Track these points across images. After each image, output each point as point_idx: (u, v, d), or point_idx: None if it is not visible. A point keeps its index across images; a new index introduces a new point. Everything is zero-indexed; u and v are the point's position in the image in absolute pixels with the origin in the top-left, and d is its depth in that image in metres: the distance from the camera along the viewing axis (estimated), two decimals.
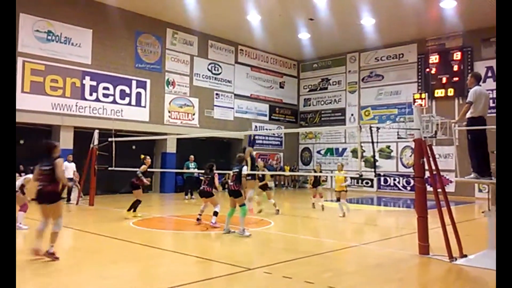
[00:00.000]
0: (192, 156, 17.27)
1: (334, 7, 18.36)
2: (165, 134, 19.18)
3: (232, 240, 8.52)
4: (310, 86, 27.54)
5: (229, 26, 21.42)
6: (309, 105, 27.48)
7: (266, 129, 25.46)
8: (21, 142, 16.91)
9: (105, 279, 5.58)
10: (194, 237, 9.19)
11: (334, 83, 26.31)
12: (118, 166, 14.65)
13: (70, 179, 14.84)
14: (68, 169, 14.84)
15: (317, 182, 14.45)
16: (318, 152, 26.45)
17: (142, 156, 12.12)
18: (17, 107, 15.71)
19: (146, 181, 11.69)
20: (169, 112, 20.79)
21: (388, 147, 23.04)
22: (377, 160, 22.09)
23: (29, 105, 16.13)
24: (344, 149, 25.14)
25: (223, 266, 6.23)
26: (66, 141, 16.97)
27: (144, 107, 19.82)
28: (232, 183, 8.91)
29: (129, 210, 11.39)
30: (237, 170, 8.92)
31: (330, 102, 26.40)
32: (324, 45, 24.21)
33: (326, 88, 26.68)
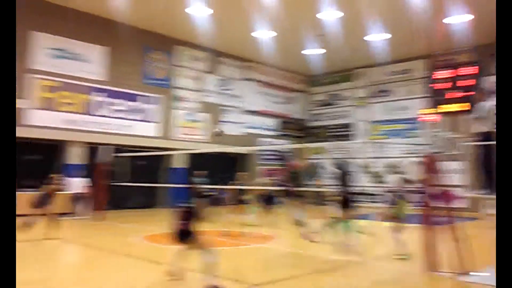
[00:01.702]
0: (199, 172, 17.25)
1: (342, 23, 18.47)
2: (175, 149, 19.29)
3: (236, 255, 8.49)
4: (318, 102, 27.59)
5: (239, 42, 21.62)
6: (317, 120, 27.48)
7: (274, 144, 25.47)
8: (31, 157, 17.13)
9: None
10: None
11: (343, 98, 26.33)
12: (127, 181, 14.81)
13: (81, 194, 15.05)
14: (76, 183, 15.06)
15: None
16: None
17: None
18: (28, 123, 16.05)
19: None
20: (178, 127, 20.94)
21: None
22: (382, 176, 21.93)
23: (40, 121, 16.39)
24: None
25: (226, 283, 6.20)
26: (76, 156, 17.17)
27: (154, 122, 20.00)
28: None
29: None
30: None
31: (338, 117, 26.39)
32: (333, 61, 24.29)
33: (334, 103, 26.70)
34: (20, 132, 15.87)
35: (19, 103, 15.88)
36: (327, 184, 21.71)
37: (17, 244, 9.90)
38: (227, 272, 6.87)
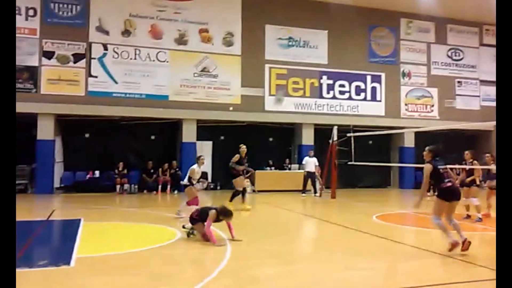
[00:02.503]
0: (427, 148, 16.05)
1: None
2: (402, 128, 18.43)
3: (481, 241, 7.49)
4: None
5: (471, 5, 19.14)
6: None
7: None
8: (270, 139, 18.92)
9: (351, 270, 5.59)
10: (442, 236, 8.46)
11: None
12: (356, 161, 14.86)
13: (312, 173, 15.84)
14: (309, 163, 15.87)
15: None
16: None
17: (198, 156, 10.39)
18: (266, 109, 17.73)
19: (241, 169, 11.40)
20: (405, 104, 19.96)
21: None
22: None
23: (275, 106, 17.90)
24: None
25: (484, 270, 5.49)
26: (307, 138, 18.20)
27: (380, 101, 19.55)
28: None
29: (230, 200, 11.06)
30: None
31: None
32: None
33: None
34: (260, 118, 17.77)
35: (259, 92, 17.71)
36: None
37: (271, 214, 10.84)
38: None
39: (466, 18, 20.76)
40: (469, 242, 6.28)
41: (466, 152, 10.30)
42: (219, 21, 17.42)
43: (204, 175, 17.62)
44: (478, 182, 10.16)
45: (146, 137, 17.53)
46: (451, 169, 10.55)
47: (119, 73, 16.26)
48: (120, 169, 16.14)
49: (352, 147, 15.01)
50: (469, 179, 10.02)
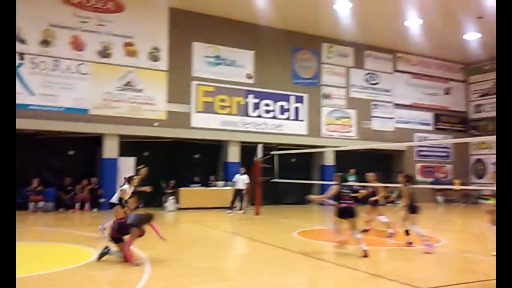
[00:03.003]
0: (352, 170, 16.96)
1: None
2: (323, 146, 19.26)
3: (401, 257, 8.02)
4: (481, 91, 24.82)
5: (386, 34, 20.71)
6: (481, 112, 24.73)
7: (431, 140, 23.66)
8: (196, 156, 18.83)
9: (277, 286, 5.71)
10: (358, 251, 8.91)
11: None
12: (280, 178, 15.25)
13: (241, 191, 15.97)
14: (239, 181, 16.00)
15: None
16: (494, 164, 23.52)
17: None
18: (192, 125, 17.67)
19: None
20: (326, 124, 20.89)
21: None
22: None
23: (202, 123, 17.91)
24: None
25: (394, 285, 5.86)
26: (233, 155, 18.36)
27: (302, 121, 20.29)
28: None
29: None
30: None
31: None
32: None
33: None
34: (186, 134, 17.65)
35: (185, 108, 17.64)
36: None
37: (194, 232, 10.68)
38: (397, 273, 6.52)
39: (382, 46, 22.35)
40: (366, 251, 7.53)
41: (369, 174, 11.01)
42: (145, 35, 17.18)
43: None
44: (382, 201, 10.81)
45: (64, 153, 16.64)
46: (364, 187, 11.32)
47: (36, 85, 15.37)
48: (34, 186, 15.15)
49: (276, 164, 15.39)
50: (373, 198, 10.54)
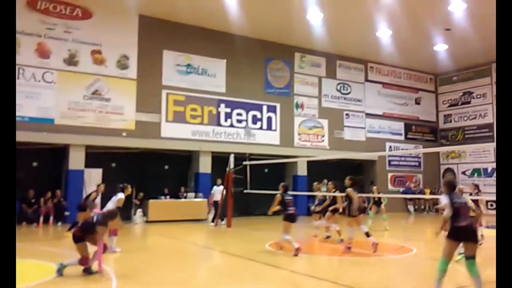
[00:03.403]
0: (325, 180, 16.86)
1: (473, 14, 16.66)
2: (296, 156, 19.14)
3: (370, 265, 7.88)
4: (450, 101, 25.32)
5: (358, 44, 20.89)
6: (450, 122, 25.19)
7: (402, 149, 23.91)
8: (166, 167, 18.41)
9: None
10: (328, 261, 8.75)
11: (479, 96, 23.78)
12: (252, 189, 14.99)
13: (217, 202, 15.65)
14: (217, 192, 15.69)
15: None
16: (463, 173, 23.94)
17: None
18: (162, 135, 17.27)
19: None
20: (298, 134, 20.82)
21: None
22: None
23: (172, 133, 17.52)
24: (494, 169, 22.32)
25: None
26: (204, 165, 18.01)
27: (275, 130, 20.15)
28: None
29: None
30: None
31: (475, 118, 23.87)
32: (464, 56, 22.12)
33: (469, 102, 24.23)
34: (155, 144, 17.23)
35: (155, 118, 17.24)
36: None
37: (163, 246, 10.39)
38: (376, 283, 6.35)
39: (354, 56, 22.54)
40: (298, 249, 8.72)
41: (329, 183, 11.61)
42: (113, 43, 16.75)
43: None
44: (340, 210, 11.12)
45: (27, 164, 15.95)
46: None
47: None
48: None
49: (248, 175, 15.14)
50: (331, 207, 11.16)
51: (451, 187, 5.79)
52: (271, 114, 20.13)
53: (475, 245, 5.47)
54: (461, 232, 5.41)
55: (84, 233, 6.62)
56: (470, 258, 5.39)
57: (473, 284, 5.39)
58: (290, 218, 9.28)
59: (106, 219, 6.89)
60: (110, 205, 9.03)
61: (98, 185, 11.80)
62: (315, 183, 13.73)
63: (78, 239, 6.62)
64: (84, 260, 6.44)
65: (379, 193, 15.16)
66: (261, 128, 19.75)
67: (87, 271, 6.57)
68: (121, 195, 9.14)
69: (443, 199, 5.62)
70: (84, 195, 13.19)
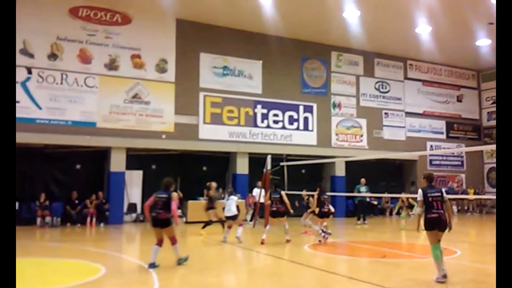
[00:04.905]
0: (363, 179, 16.63)
1: None
2: (333, 157, 18.90)
3: (412, 268, 7.65)
4: (494, 98, 24.34)
5: (396, 42, 20.43)
6: (494, 119, 24.22)
7: (443, 148, 23.19)
8: (204, 169, 18.59)
9: None
10: (369, 263, 8.57)
11: None
12: (289, 190, 14.90)
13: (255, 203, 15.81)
14: (257, 194, 15.77)
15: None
16: None
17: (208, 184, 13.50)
18: (200, 137, 17.47)
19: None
20: (336, 134, 20.56)
21: None
22: None
23: (210, 134, 17.70)
24: None
25: None
26: (242, 166, 18.09)
27: (312, 131, 19.99)
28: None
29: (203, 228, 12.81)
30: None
31: None
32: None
33: None
34: (193, 146, 17.45)
35: (193, 120, 17.47)
36: None
37: (199, 246, 10.52)
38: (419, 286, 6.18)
39: (392, 53, 22.05)
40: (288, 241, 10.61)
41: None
42: (152, 47, 17.10)
43: (132, 206, 16.93)
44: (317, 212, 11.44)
45: (71, 166, 16.53)
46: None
47: (43, 98, 15.33)
48: (41, 200, 15.01)
49: (285, 176, 15.07)
50: (309, 210, 12.73)
51: (430, 181, 6.69)
52: (308, 114, 19.98)
53: (442, 233, 6.43)
54: (434, 222, 6.38)
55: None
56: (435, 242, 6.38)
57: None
58: (272, 214, 11.12)
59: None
60: (234, 209, 11.19)
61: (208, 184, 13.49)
62: None
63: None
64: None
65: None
66: (297, 128, 19.64)
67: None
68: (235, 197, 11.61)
69: (418, 195, 6.53)
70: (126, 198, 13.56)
